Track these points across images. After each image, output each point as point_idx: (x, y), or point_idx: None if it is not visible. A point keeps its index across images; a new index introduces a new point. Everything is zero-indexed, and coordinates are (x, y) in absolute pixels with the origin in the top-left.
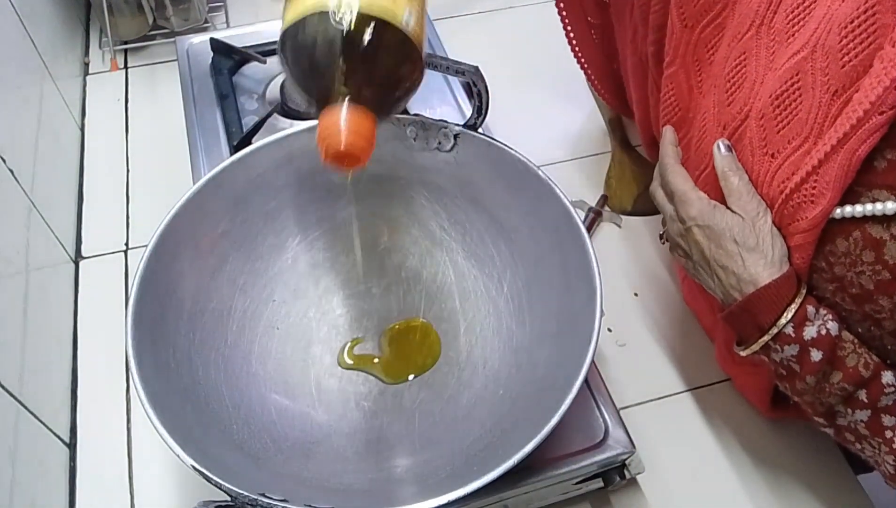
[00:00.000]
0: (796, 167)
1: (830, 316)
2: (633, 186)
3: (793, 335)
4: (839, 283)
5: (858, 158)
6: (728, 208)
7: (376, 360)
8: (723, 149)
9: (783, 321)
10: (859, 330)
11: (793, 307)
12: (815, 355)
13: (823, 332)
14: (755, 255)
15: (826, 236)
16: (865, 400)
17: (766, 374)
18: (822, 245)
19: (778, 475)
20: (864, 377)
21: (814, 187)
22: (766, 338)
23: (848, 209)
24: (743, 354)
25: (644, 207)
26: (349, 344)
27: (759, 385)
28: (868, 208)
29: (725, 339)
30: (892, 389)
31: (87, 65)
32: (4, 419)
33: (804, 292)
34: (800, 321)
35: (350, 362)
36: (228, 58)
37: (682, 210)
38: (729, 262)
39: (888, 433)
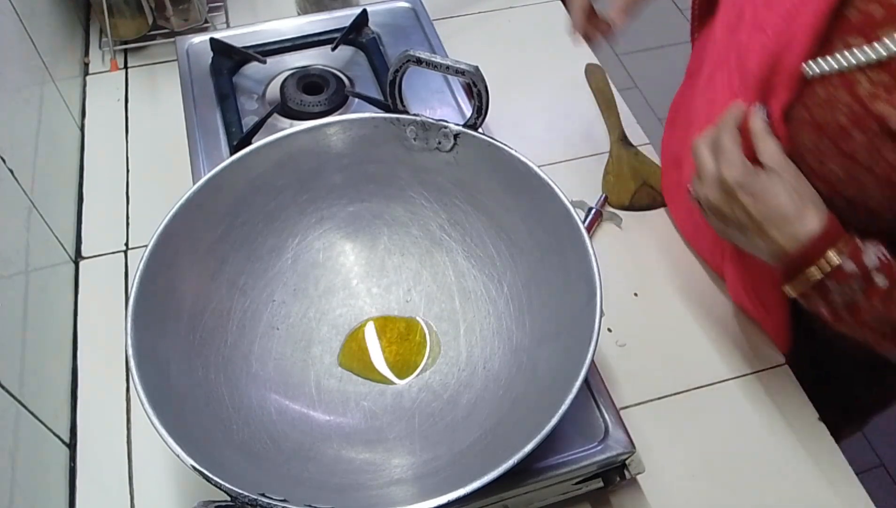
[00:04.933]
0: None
1: (876, 243)
2: (630, 181)
3: (855, 268)
4: (819, 128)
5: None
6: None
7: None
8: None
9: (835, 259)
10: (840, 175)
11: (842, 243)
12: (880, 280)
13: (882, 257)
14: (804, 206)
15: (808, 87)
16: None
17: (781, 310)
18: (804, 97)
19: (778, 475)
20: None
21: (792, 36)
22: (818, 274)
23: (828, 59)
24: (793, 293)
25: (641, 202)
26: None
27: (776, 321)
28: (845, 55)
29: (741, 276)
30: None
31: (86, 65)
32: (4, 419)
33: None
34: (853, 251)
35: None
36: (228, 58)
37: (727, 171)
38: (779, 221)
39: None
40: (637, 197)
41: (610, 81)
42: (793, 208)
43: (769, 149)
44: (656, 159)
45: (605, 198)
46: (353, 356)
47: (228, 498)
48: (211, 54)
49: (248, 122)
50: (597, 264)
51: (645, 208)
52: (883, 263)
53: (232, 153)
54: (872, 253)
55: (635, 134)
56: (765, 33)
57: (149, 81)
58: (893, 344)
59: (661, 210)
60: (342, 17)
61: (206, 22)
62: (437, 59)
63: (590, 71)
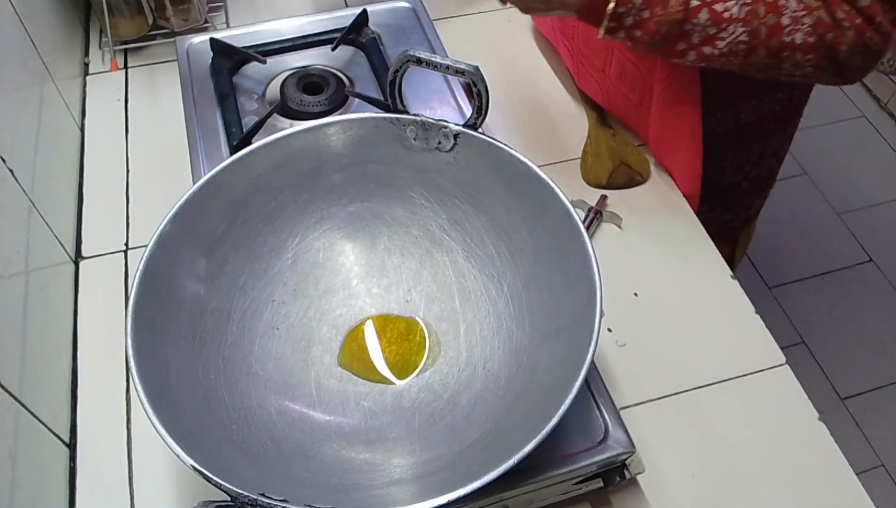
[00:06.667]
0: None
1: None
2: (607, 161)
3: None
4: None
5: None
6: None
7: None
8: None
9: None
10: None
11: None
12: None
13: None
14: None
15: None
16: (698, 2)
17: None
18: None
19: (778, 475)
20: None
21: None
22: (612, 5)
23: None
24: (602, 34)
25: (618, 181)
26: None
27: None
28: None
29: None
30: None
31: (86, 65)
32: (4, 419)
33: None
34: None
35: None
36: (228, 58)
37: None
38: None
39: (725, 14)
40: (614, 176)
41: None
42: None
43: None
44: (634, 141)
45: (605, 198)
46: (353, 356)
47: (228, 498)
48: (211, 54)
49: (248, 122)
50: (597, 264)
51: (622, 186)
52: None
53: (232, 153)
54: None
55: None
56: None
57: (149, 80)
58: (683, 41)
59: (649, 199)
60: (342, 17)
61: (206, 22)
62: (437, 59)
63: None
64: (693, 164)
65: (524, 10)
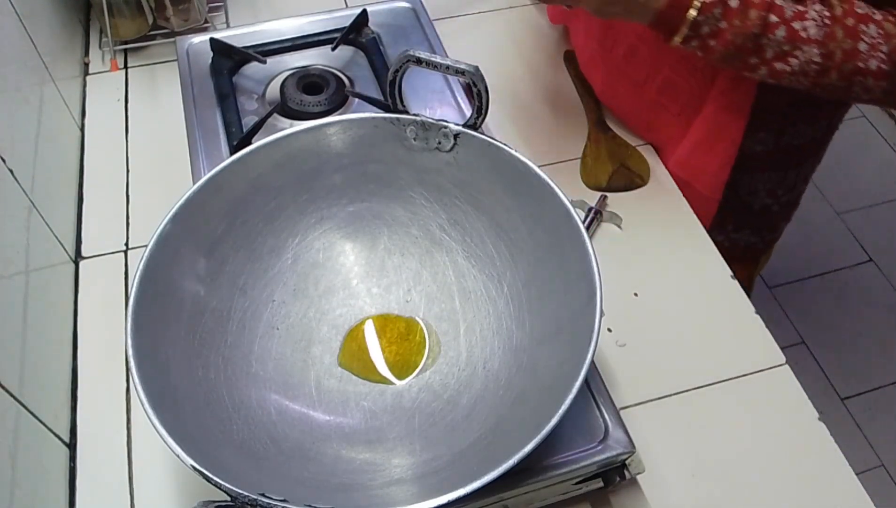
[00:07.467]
0: None
1: None
2: (607, 164)
3: None
4: None
5: None
6: None
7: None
8: None
9: None
10: None
11: None
12: (733, 2)
13: None
14: None
15: None
16: (777, 19)
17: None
18: None
19: (778, 475)
20: (767, 0)
21: None
22: (692, 12)
23: None
24: (679, 41)
25: (618, 183)
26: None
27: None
28: None
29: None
30: (786, 3)
31: (86, 65)
32: (4, 419)
33: None
34: None
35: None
36: (228, 58)
37: None
38: None
39: (803, 34)
40: (614, 179)
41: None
42: None
43: None
44: (632, 142)
45: (605, 198)
46: (353, 356)
47: (228, 498)
48: (211, 54)
49: (248, 122)
50: (597, 264)
51: (622, 189)
52: None
53: (232, 153)
54: None
55: (611, 116)
56: None
57: (149, 81)
58: (757, 55)
59: (649, 199)
60: (342, 17)
61: (206, 22)
62: (437, 59)
63: (568, 58)
64: (719, 179)
65: (595, 13)
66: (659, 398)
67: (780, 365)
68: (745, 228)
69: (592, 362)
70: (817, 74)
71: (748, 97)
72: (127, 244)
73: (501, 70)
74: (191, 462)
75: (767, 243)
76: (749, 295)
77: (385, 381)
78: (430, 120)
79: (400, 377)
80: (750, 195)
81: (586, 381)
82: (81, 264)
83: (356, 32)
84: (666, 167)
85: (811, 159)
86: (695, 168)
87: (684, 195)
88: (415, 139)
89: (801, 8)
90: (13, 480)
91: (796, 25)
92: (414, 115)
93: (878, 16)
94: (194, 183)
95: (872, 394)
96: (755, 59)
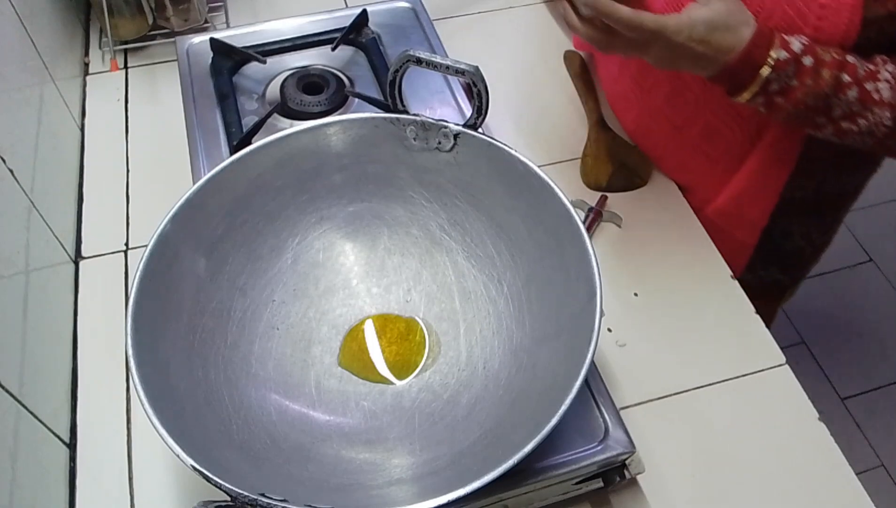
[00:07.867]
0: None
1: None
2: (608, 163)
3: (787, 55)
4: None
5: None
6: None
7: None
8: None
9: (774, 53)
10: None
11: (775, 39)
12: (807, 60)
13: (805, 42)
14: (739, 21)
15: None
16: (850, 79)
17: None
18: None
19: (778, 475)
20: (840, 60)
21: None
22: (766, 70)
23: None
24: (748, 98)
25: (618, 183)
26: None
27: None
28: None
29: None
30: (859, 63)
31: (86, 65)
32: (4, 419)
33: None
34: (783, 43)
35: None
36: (228, 58)
37: (637, 32)
38: (723, 27)
39: (875, 95)
40: (614, 178)
41: (589, 66)
42: (732, 20)
43: None
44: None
45: (605, 198)
46: (353, 356)
47: (228, 498)
48: (211, 54)
49: (248, 122)
50: (597, 264)
51: (622, 189)
52: (806, 46)
53: (232, 153)
54: (796, 40)
55: (612, 116)
56: None
57: (149, 81)
58: (825, 115)
59: (649, 199)
60: (342, 17)
61: (206, 22)
62: (437, 59)
63: (568, 57)
64: (757, 227)
65: (657, 66)
66: (659, 398)
67: (780, 365)
68: (773, 266)
69: (592, 362)
70: (885, 135)
71: (796, 147)
72: (127, 244)
73: (501, 70)
74: (191, 462)
75: (794, 281)
76: (769, 327)
77: (385, 381)
78: (430, 120)
79: (400, 377)
80: (783, 238)
81: (586, 381)
82: (81, 264)
83: (356, 32)
84: (694, 211)
85: (849, 205)
86: (735, 218)
87: (715, 241)
88: (415, 139)
89: (872, 67)
90: (13, 480)
91: (868, 86)
92: (414, 115)
93: None
94: (194, 183)
95: (872, 394)
96: (823, 118)
